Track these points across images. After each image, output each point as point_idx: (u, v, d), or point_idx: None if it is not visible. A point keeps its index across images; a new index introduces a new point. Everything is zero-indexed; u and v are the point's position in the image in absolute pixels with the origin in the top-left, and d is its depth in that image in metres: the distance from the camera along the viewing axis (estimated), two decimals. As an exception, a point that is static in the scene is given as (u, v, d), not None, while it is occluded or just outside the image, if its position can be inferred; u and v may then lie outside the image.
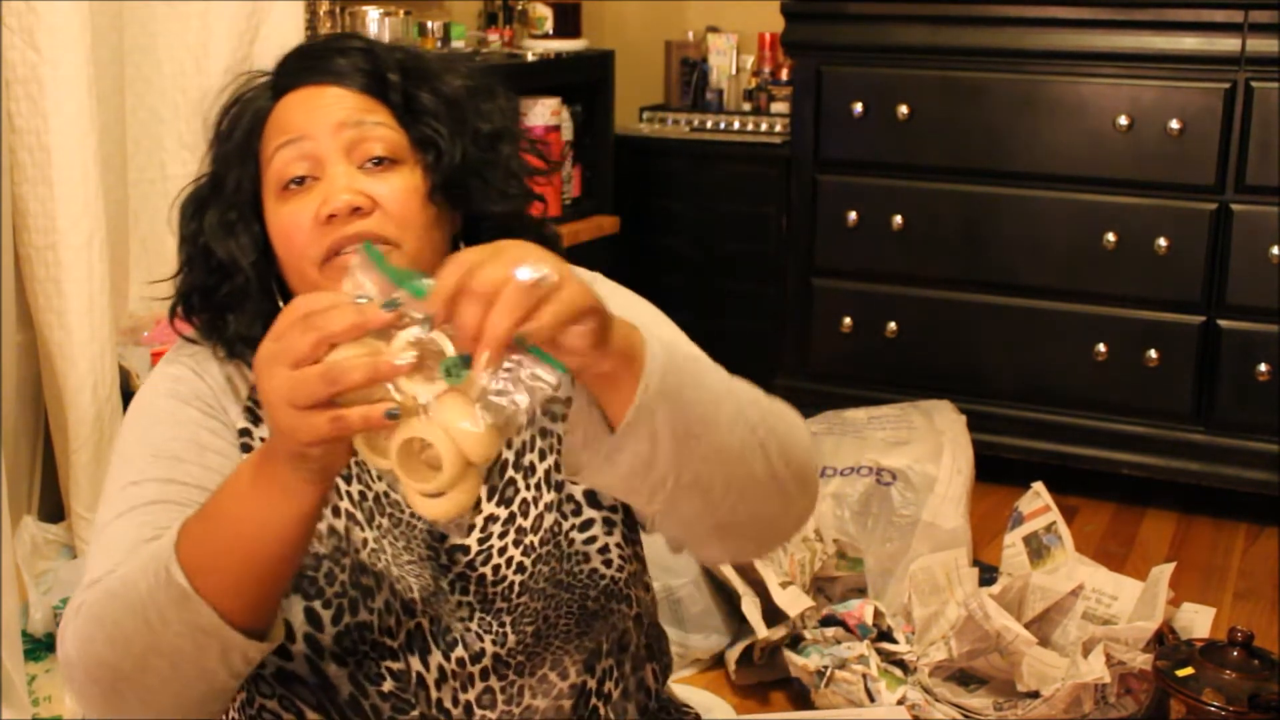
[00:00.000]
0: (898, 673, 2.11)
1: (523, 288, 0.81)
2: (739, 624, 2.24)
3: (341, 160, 1.08)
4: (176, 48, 2.38)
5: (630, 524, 1.16)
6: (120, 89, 2.30)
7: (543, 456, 1.13)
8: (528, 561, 1.11)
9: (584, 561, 1.12)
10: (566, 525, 1.12)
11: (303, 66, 1.14)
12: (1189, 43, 2.79)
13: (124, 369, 2.19)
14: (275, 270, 1.13)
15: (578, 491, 1.13)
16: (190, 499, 1.02)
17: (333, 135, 1.08)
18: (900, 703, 2.05)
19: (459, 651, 1.09)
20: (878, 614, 2.17)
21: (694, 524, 0.99)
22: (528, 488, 1.13)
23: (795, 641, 2.16)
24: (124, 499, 1.05)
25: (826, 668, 2.06)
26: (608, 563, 1.13)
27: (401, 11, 2.94)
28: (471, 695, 1.10)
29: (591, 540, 1.13)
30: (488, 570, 1.11)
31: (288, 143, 1.09)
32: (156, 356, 2.18)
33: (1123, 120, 2.84)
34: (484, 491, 1.12)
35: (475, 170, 1.11)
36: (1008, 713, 1.98)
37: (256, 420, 1.11)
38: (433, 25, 3.06)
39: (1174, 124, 2.80)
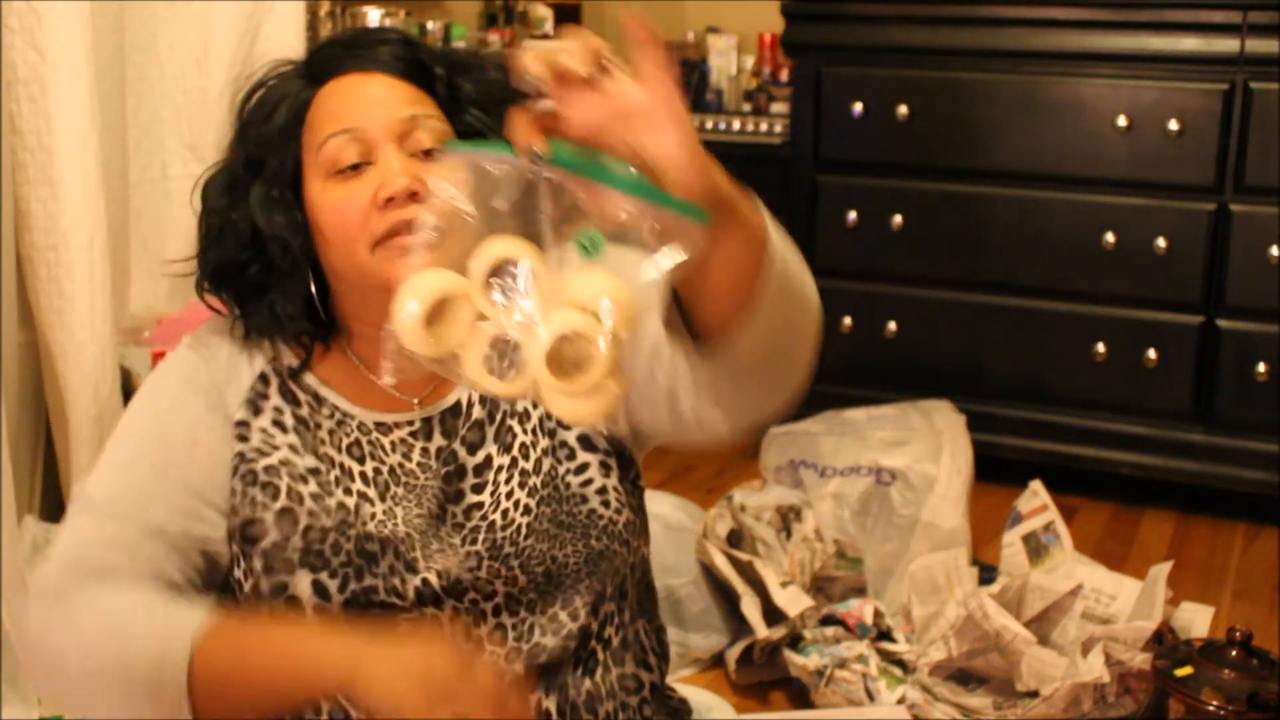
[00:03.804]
0: (897, 672, 2.11)
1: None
2: (739, 624, 2.24)
3: (394, 147, 1.12)
4: (177, 48, 2.38)
5: (625, 470, 1.19)
6: (121, 90, 2.30)
7: (535, 404, 1.17)
8: (533, 503, 1.15)
9: (582, 503, 1.16)
10: (562, 470, 1.16)
11: (345, 54, 1.17)
12: (1188, 43, 2.80)
13: (125, 369, 2.19)
14: (312, 252, 1.16)
15: (570, 437, 1.17)
16: (165, 514, 1.12)
17: (387, 125, 1.12)
18: (900, 702, 2.05)
19: (471, 595, 1.12)
20: (877, 614, 2.18)
21: (760, 339, 0.98)
22: (525, 432, 1.17)
23: (795, 641, 2.16)
24: (110, 485, 1.14)
25: (826, 667, 2.07)
26: (605, 504, 1.16)
27: (402, 12, 2.94)
28: (483, 631, 1.13)
29: (588, 483, 1.16)
30: (497, 516, 1.14)
31: (342, 132, 1.12)
32: (157, 357, 2.18)
33: (1121, 121, 2.84)
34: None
35: None
36: (1007, 712, 1.98)
37: (256, 410, 1.16)
38: (433, 26, 3.07)
39: (1173, 124, 2.81)
